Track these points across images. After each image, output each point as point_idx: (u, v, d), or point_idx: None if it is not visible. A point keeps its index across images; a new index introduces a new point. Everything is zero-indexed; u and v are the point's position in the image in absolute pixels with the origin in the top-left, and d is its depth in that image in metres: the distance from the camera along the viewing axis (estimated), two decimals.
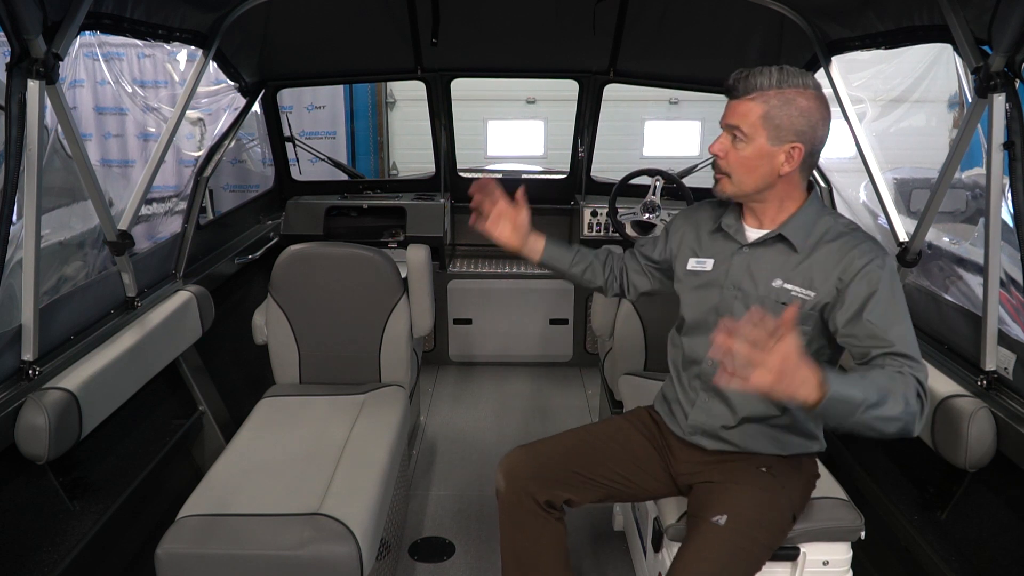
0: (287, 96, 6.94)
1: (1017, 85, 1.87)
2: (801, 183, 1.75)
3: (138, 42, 3.09)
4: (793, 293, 1.71)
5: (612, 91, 3.90)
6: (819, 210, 1.76)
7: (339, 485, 2.07)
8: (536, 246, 2.00)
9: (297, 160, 4.20)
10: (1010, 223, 1.92)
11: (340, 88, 7.31)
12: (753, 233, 1.80)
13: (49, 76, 1.85)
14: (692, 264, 1.88)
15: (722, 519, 1.72)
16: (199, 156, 3.30)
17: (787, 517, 1.82)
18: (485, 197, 1.93)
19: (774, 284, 1.73)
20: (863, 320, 1.60)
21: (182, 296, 2.74)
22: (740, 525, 1.72)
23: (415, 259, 2.76)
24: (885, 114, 3.35)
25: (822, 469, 2.17)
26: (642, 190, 3.75)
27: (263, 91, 3.66)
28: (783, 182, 1.71)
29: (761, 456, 1.84)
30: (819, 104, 1.66)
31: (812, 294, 1.69)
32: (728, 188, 1.74)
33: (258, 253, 3.57)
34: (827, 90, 2.75)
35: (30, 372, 2.01)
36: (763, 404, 1.78)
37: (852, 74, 2.88)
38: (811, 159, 1.71)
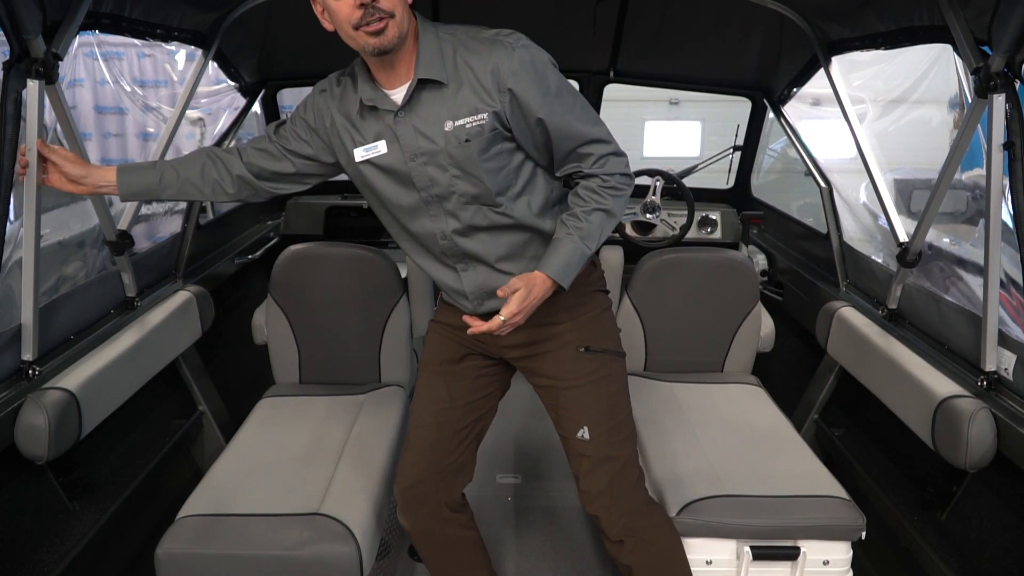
0: (287, 96, 6.92)
1: (1017, 85, 1.87)
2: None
3: (137, 42, 3.09)
4: (468, 126, 1.64)
5: (612, 91, 3.89)
6: (433, 29, 1.67)
7: (339, 485, 2.07)
8: (107, 178, 1.82)
9: None
10: (1010, 224, 1.91)
11: None
12: (397, 94, 1.68)
13: (49, 76, 1.85)
14: (361, 153, 1.74)
15: (585, 432, 1.85)
16: None
17: (619, 366, 1.91)
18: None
19: (447, 129, 1.65)
20: (548, 124, 1.65)
21: (182, 296, 2.74)
22: (601, 428, 1.85)
23: None
24: (885, 114, 3.34)
25: (817, 464, 2.17)
26: (642, 190, 3.74)
27: (263, 91, 3.66)
28: (409, 10, 1.63)
29: (561, 324, 1.85)
30: None
31: (483, 115, 1.64)
32: (394, 32, 1.56)
33: (258, 253, 3.56)
34: (827, 90, 2.80)
35: (30, 372, 2.01)
36: (503, 241, 1.78)
37: (852, 74, 2.87)
38: None
